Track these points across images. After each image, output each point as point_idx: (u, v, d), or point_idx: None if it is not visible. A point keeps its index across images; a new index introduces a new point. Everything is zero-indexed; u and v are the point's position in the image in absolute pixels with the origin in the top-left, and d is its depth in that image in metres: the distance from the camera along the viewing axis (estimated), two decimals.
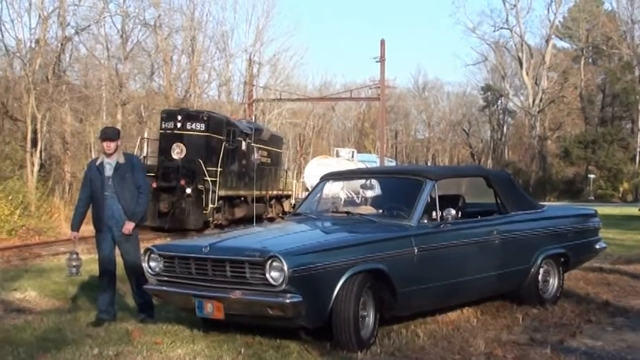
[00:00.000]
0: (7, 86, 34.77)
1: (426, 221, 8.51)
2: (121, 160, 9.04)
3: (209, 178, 26.70)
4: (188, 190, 26.40)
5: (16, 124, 33.61)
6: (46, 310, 10.63)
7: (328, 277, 7.27)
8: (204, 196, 26.63)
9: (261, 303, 7.17)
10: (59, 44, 34.03)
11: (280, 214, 34.31)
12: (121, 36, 39.61)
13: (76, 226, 9.31)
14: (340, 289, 7.29)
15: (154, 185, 24.85)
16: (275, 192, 35.24)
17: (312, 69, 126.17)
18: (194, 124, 27.41)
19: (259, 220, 29.59)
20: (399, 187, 9.57)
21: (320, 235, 8.65)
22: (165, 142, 27.80)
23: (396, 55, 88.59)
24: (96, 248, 9.36)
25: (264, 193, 32.71)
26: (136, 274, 8.90)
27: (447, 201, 8.90)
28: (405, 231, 8.23)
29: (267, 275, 7.08)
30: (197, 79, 43.69)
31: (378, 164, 45.62)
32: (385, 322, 8.03)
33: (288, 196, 37.49)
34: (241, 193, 30.22)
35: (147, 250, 8.18)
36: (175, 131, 27.45)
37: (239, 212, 30.02)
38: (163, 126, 28.07)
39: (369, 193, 9.93)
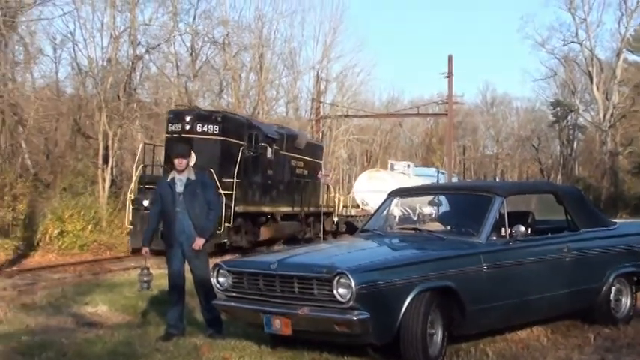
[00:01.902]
0: (79, 104, 35.52)
1: (495, 238, 8.44)
2: (192, 176, 9.16)
3: (223, 192, 21.97)
4: None
5: (89, 141, 34.25)
6: (116, 324, 10.80)
7: (396, 293, 7.24)
8: None
9: (328, 319, 7.18)
10: (130, 63, 34.59)
11: (319, 234, 30.40)
12: (191, 54, 40.11)
13: (147, 241, 9.47)
14: (408, 306, 7.25)
15: None
16: (313, 208, 30.63)
17: (380, 85, 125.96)
18: (206, 126, 23.57)
19: (294, 241, 26.20)
20: (468, 203, 9.50)
21: (388, 251, 8.63)
22: (172, 147, 22.05)
23: (464, 71, 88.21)
24: (166, 263, 9.49)
25: (297, 209, 28.63)
26: (205, 290, 8.98)
27: (516, 218, 8.80)
28: (474, 248, 8.17)
29: (335, 292, 7.09)
30: (265, 96, 43.93)
31: (437, 179, 44.57)
32: (454, 340, 7.96)
33: (329, 214, 32.66)
34: (266, 209, 26.20)
35: (216, 265, 8.27)
36: (183, 135, 23.20)
37: (266, 233, 26.21)
38: (170, 129, 24.21)
39: (427, 210, 9.87)
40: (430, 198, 9.88)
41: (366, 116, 57.14)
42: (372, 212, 30.88)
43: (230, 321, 9.15)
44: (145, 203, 21.87)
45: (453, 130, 54.76)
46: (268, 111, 44.52)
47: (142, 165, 24.47)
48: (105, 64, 33.76)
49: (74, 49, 35.17)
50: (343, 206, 36.11)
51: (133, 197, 23.30)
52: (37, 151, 34.46)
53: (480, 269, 7.96)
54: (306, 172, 29.85)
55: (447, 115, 49.46)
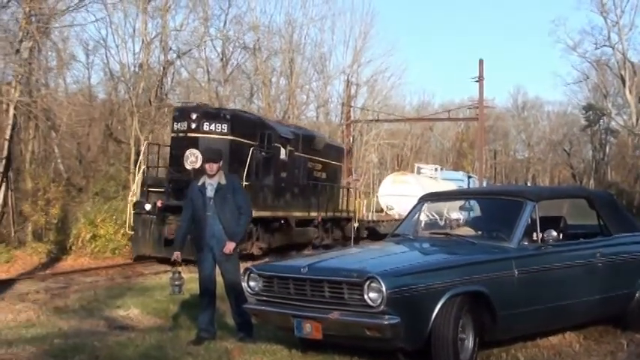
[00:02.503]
0: (111, 109, 35.87)
1: (526, 243, 8.39)
2: (223, 181, 9.19)
3: None
4: None
5: (120, 145, 34.53)
6: (148, 327, 10.87)
7: (427, 298, 7.22)
8: None
9: (359, 324, 7.17)
10: (161, 68, 34.88)
11: (337, 240, 28.98)
12: (221, 59, 40.36)
13: (178, 245, 9.52)
14: (439, 311, 7.22)
15: (160, 204, 21.16)
16: (331, 213, 28.84)
17: (410, 89, 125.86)
18: (214, 125, 22.10)
19: (305, 247, 25.35)
20: (499, 208, 9.44)
21: (419, 256, 8.62)
22: (177, 147, 22.56)
23: (495, 75, 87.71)
24: (197, 267, 9.53)
25: (313, 214, 26.88)
26: (235, 294, 9.01)
27: (548, 222, 8.73)
28: (506, 253, 8.13)
29: (366, 296, 7.08)
30: (295, 100, 44.06)
31: (466, 183, 43.78)
32: (485, 345, 7.92)
33: (349, 219, 30.88)
34: (280, 214, 24.44)
35: (246, 269, 8.30)
36: (189, 134, 22.10)
37: (279, 239, 24.67)
38: (175, 127, 22.84)
39: (454, 215, 9.83)
40: (461, 202, 9.84)
41: (397, 120, 57.05)
42: (396, 217, 30.40)
43: (261, 325, 9.17)
44: (147, 207, 21.19)
45: (484, 134, 54.52)
46: (299, 115, 44.62)
47: (144, 167, 23.37)
48: (137, 69, 34.09)
49: (106, 55, 35.65)
50: (366, 211, 35.27)
51: (134, 200, 22.12)
52: (70, 156, 34.81)
53: (512, 274, 7.92)
54: (324, 175, 28.57)
55: (477, 119, 49.25)
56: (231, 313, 9.50)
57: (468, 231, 9.16)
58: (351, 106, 48.67)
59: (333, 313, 7.29)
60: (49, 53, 31.11)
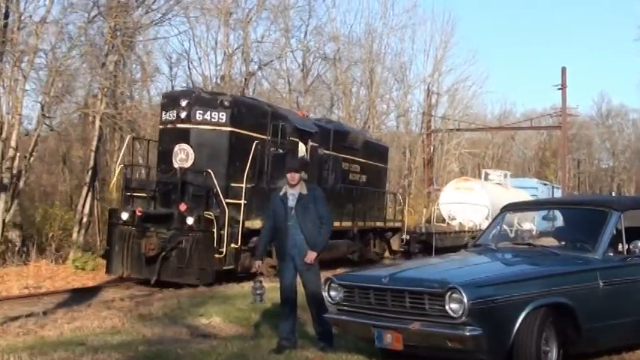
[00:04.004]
0: None
1: (611, 254, 8.25)
2: (304, 191, 9.24)
3: (231, 201, 17.54)
4: (190, 221, 17.01)
5: None
6: (229, 335, 10.97)
7: (509, 310, 7.14)
8: (216, 231, 17.02)
9: (440, 335, 7.13)
10: (243, 79, 35.27)
11: (379, 255, 25.65)
12: (302, 70, 40.58)
13: (260, 255, 9.62)
14: (522, 322, 7.14)
15: (139, 212, 17.56)
16: (372, 223, 24.91)
17: (492, 98, 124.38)
18: (209, 113, 18.13)
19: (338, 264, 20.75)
20: (583, 218, 9.29)
21: (501, 266, 8.53)
22: (165, 142, 18.85)
23: (578, 82, 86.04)
24: (278, 276, 9.59)
25: (347, 224, 22.77)
26: (316, 303, 9.04)
27: (634, 233, 8.55)
28: (590, 264, 8.00)
29: (447, 307, 7.04)
30: (376, 110, 44.02)
31: (540, 191, 41.75)
32: (569, 358, 7.78)
33: (396, 230, 27.19)
34: None
35: (327, 279, 8.34)
36: (178, 125, 18.23)
37: None
38: (163, 117, 18.96)
39: (527, 226, 9.68)
40: (534, 213, 9.70)
41: (478, 129, 56.52)
42: (456, 229, 28.66)
43: (341, 334, 9.18)
44: (124, 216, 17.69)
45: (567, 143, 53.61)
46: (379, 125, 44.57)
47: (121, 165, 19.75)
48: (219, 81, 34.54)
49: (189, 67, 36.23)
50: (425, 221, 32.59)
51: (110, 207, 18.94)
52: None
53: (596, 286, 7.79)
54: (363, 178, 24.52)
55: (560, 127, 48.50)
56: (312, 322, 9.54)
57: (550, 241, 9.04)
58: (431, 116, 48.42)
59: (414, 323, 7.27)
60: (134, 66, 31.68)
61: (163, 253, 17.15)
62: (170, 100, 18.92)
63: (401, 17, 47.62)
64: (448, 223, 32.61)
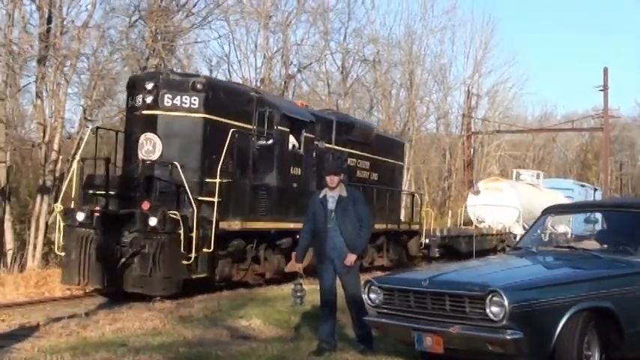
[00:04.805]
0: None
1: None
2: (344, 193, 9.25)
3: (205, 199, 15.40)
4: (152, 221, 14.55)
5: None
6: (269, 337, 11.00)
7: (551, 313, 7.09)
8: (184, 232, 14.61)
9: (481, 338, 7.10)
10: (283, 82, 35.39)
11: (393, 261, 22.96)
12: (341, 72, 40.63)
13: (300, 257, 9.65)
14: (563, 326, 7.08)
15: (96, 212, 15.05)
16: (384, 225, 22.12)
17: (532, 99, 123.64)
18: (179, 98, 15.90)
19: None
20: (626, 221, 9.18)
21: (542, 270, 8.47)
22: (130, 132, 16.65)
23: (620, 83, 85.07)
24: (318, 279, 9.61)
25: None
26: (356, 306, 9.04)
27: None
28: (633, 268, 7.91)
29: (487, 310, 7.00)
30: (415, 112, 43.89)
31: (577, 193, 40.24)
32: None
33: (414, 233, 24.87)
34: (284, 226, 17.52)
35: (367, 282, 8.33)
36: (144, 111, 16.05)
37: (283, 262, 17.83)
38: (129, 104, 16.81)
39: (561, 229, 9.57)
40: (569, 217, 9.59)
41: (519, 131, 56.09)
42: (483, 232, 27.62)
43: (381, 337, 9.17)
44: (80, 217, 15.14)
45: (609, 145, 53.02)
46: (419, 127, 44.46)
47: (77, 159, 16.94)
48: (258, 83, 34.65)
49: (229, 70, 36.35)
50: (452, 224, 31.51)
51: (62, 208, 15.82)
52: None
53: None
54: (374, 176, 22.30)
55: (602, 129, 47.99)
56: (351, 325, 9.54)
57: (593, 244, 8.95)
58: (471, 118, 48.19)
59: (454, 326, 7.25)
60: (174, 69, 31.93)
61: (123, 260, 14.76)
62: (135, 84, 16.65)
63: (440, 19, 47.49)
64: (476, 226, 30.78)
